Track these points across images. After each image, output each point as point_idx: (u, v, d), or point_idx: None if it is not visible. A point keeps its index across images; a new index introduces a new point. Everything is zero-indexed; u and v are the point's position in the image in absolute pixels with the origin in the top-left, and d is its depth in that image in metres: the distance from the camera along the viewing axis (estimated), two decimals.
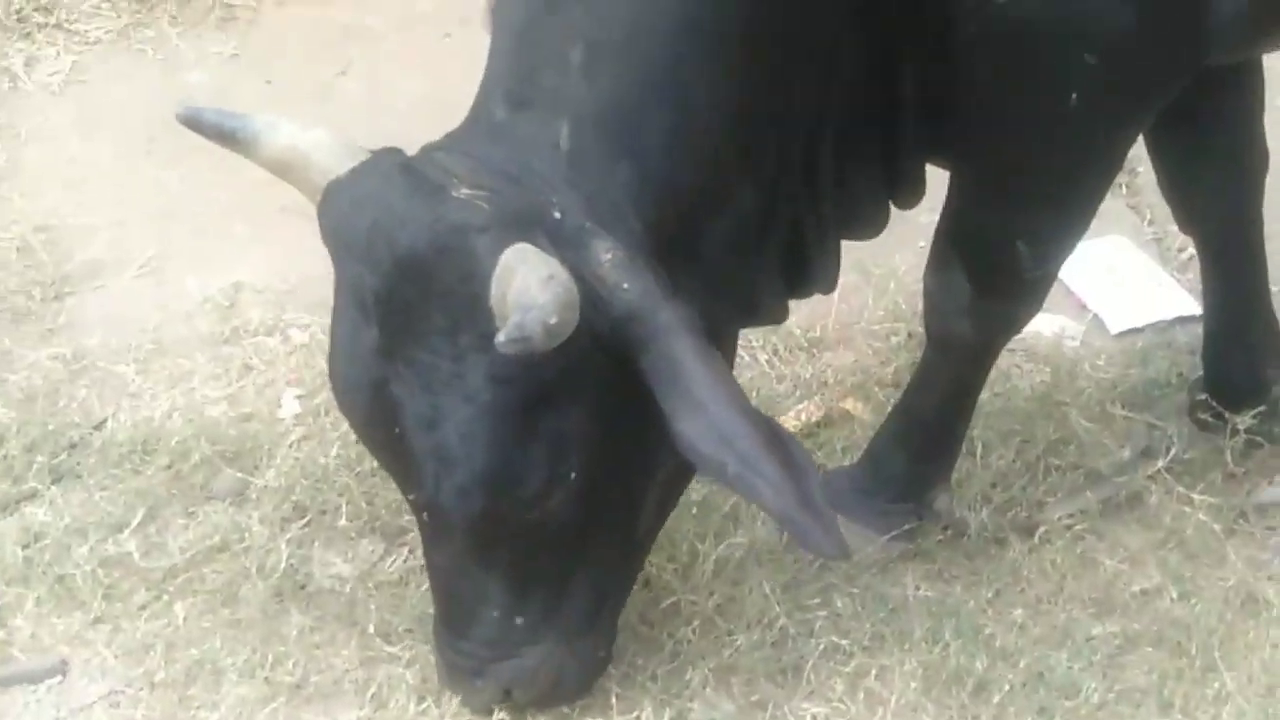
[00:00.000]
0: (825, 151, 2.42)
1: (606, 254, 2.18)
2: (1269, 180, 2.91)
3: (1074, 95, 2.31)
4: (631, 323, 2.18)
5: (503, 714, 2.52)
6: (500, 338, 2.07)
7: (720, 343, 2.32)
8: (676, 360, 2.17)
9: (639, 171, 2.24)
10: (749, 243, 2.37)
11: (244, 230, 3.50)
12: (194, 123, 2.35)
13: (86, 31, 4.19)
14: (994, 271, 2.52)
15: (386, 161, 2.26)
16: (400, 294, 2.19)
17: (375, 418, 2.30)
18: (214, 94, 3.93)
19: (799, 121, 2.36)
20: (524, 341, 2.07)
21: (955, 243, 2.54)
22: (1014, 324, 2.62)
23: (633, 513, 2.41)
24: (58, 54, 4.06)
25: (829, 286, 2.58)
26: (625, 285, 2.18)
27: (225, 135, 2.33)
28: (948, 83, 2.37)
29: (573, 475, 2.25)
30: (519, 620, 2.40)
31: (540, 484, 2.26)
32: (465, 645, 2.46)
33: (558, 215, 2.20)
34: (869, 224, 2.58)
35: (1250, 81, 2.74)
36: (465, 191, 2.19)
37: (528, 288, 2.08)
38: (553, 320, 2.08)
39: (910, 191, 2.57)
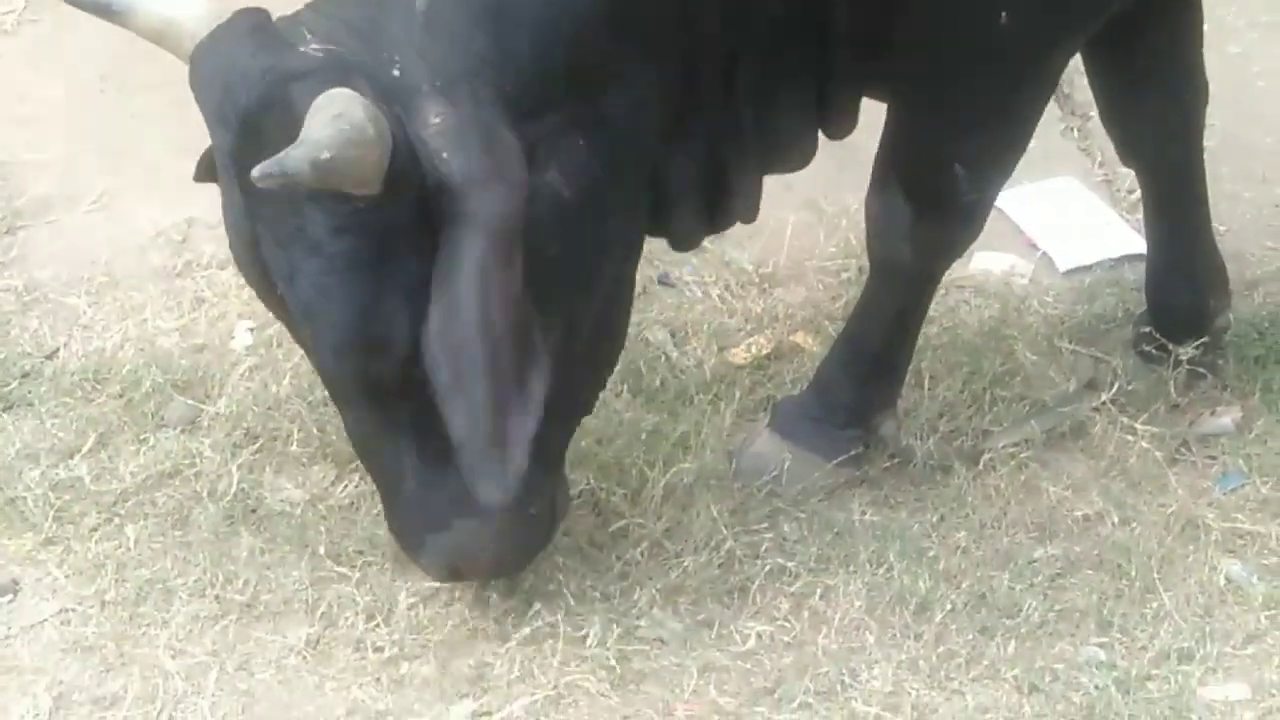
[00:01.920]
0: (747, 75, 2.49)
1: (435, 118, 2.20)
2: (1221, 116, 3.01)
3: (1003, 14, 2.38)
4: (441, 195, 2.21)
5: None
6: (254, 170, 2.07)
7: (628, 217, 2.40)
8: (459, 251, 2.19)
9: (498, 40, 2.27)
10: (649, 137, 2.40)
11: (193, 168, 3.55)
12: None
13: None
14: (932, 194, 2.60)
15: (244, 22, 2.30)
16: (246, 150, 2.23)
17: (260, 281, 2.36)
18: None
19: (709, 33, 2.42)
20: (280, 176, 2.07)
21: (894, 167, 2.62)
22: (953, 249, 2.70)
23: (558, 344, 2.38)
24: None
25: (750, 216, 2.66)
26: (444, 154, 2.19)
27: (101, 7, 2.38)
28: (879, 8, 2.44)
29: (401, 343, 2.26)
30: (441, 491, 2.42)
31: (408, 337, 2.26)
32: (400, 520, 2.52)
33: (396, 73, 2.22)
34: (796, 155, 2.66)
35: (1188, 14, 2.82)
36: (314, 47, 2.23)
37: (312, 124, 2.09)
38: (324, 156, 2.07)
39: (842, 122, 2.65)
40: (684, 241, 2.66)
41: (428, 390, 2.31)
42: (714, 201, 2.59)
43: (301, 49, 2.25)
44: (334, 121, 2.10)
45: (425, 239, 2.23)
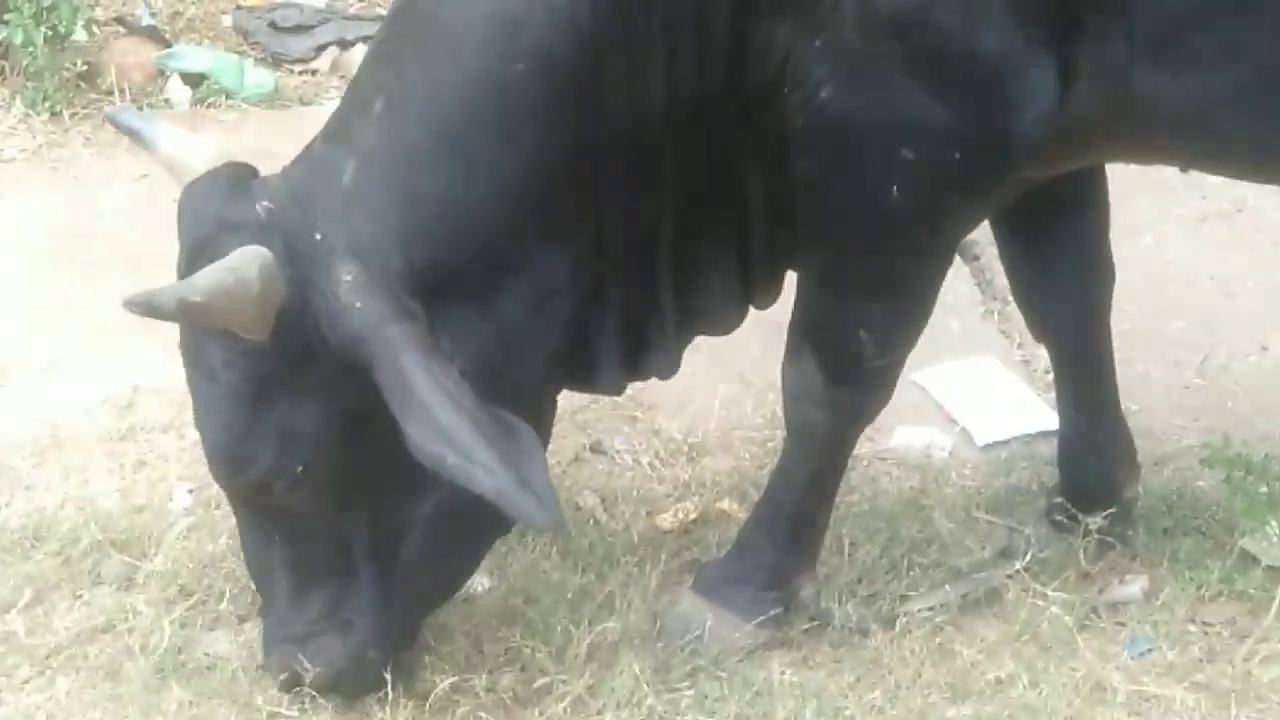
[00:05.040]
0: (664, 248, 2.72)
1: (347, 275, 2.55)
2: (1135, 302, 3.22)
3: (895, 189, 2.59)
4: (363, 339, 2.53)
5: None
6: (127, 296, 2.43)
7: (525, 393, 2.64)
8: (401, 370, 2.51)
9: (411, 217, 2.59)
10: (563, 312, 2.68)
11: (144, 336, 3.67)
12: (116, 121, 2.83)
13: (2, 150, 4.50)
14: (841, 361, 2.78)
15: (225, 173, 2.64)
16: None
17: None
18: (123, 214, 4.23)
19: (625, 213, 2.66)
20: (145, 306, 2.43)
21: (805, 334, 2.80)
22: (865, 413, 2.87)
23: (394, 524, 2.68)
24: None
25: (666, 373, 2.88)
26: (358, 304, 2.53)
27: (135, 134, 2.76)
28: (785, 182, 2.66)
29: (300, 468, 2.62)
30: (303, 602, 2.76)
31: (266, 468, 2.63)
32: (266, 619, 2.82)
33: (318, 237, 2.58)
34: (721, 322, 2.88)
35: (1094, 199, 3.03)
36: (263, 204, 2.60)
37: (203, 271, 2.48)
38: (194, 299, 2.44)
39: (765, 293, 2.87)
40: (606, 391, 2.89)
41: (293, 518, 2.71)
42: (632, 361, 2.81)
43: (254, 205, 2.61)
44: (220, 272, 2.47)
45: (305, 383, 2.57)
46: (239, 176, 2.68)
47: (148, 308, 2.44)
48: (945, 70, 2.53)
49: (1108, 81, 2.54)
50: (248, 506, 2.75)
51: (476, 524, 2.70)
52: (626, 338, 2.78)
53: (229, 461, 2.67)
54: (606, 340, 2.76)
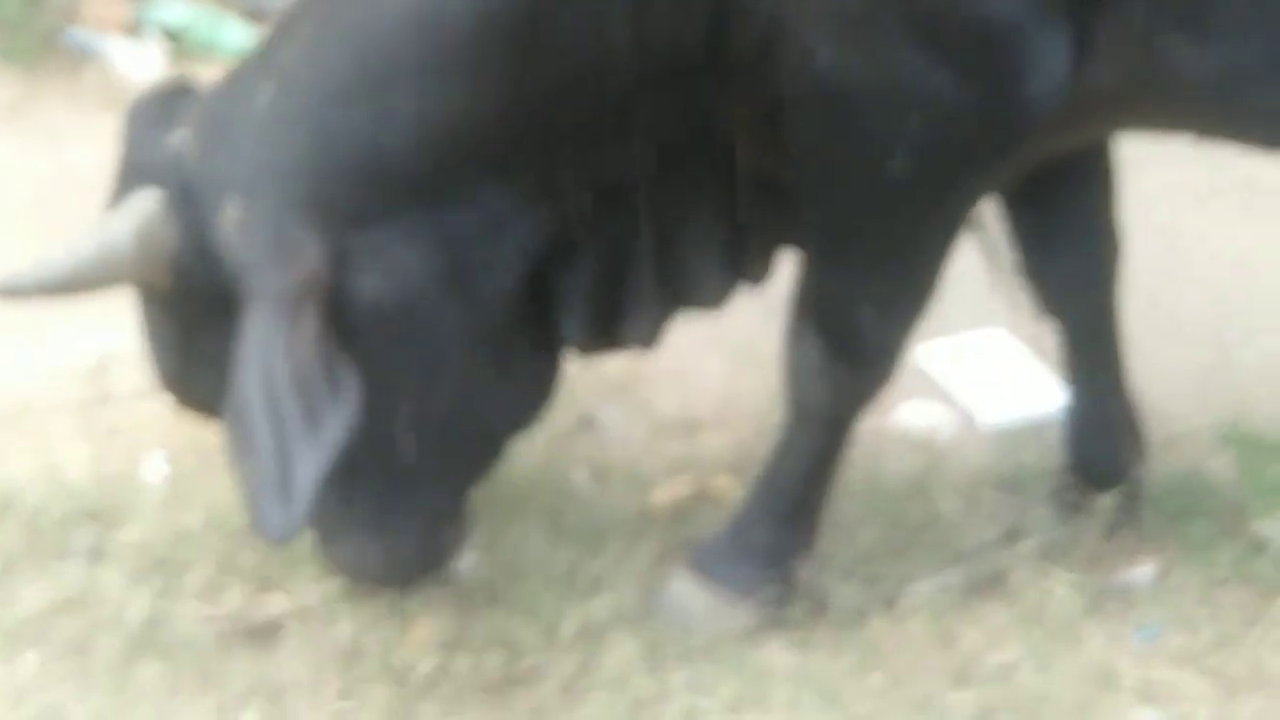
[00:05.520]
0: (640, 208, 2.64)
1: (233, 212, 2.53)
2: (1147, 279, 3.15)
3: (896, 159, 2.50)
4: (238, 279, 2.54)
5: None
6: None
7: (483, 330, 2.63)
8: (247, 323, 2.51)
9: (323, 145, 2.54)
10: (517, 249, 2.62)
11: (118, 299, 3.63)
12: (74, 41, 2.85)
13: None
14: (842, 337, 2.71)
15: (161, 96, 2.68)
16: None
17: None
18: (98, 172, 4.11)
19: (583, 160, 2.59)
20: (4, 290, 2.54)
21: (805, 309, 2.73)
22: (867, 391, 2.79)
23: (373, 434, 2.62)
24: None
25: (646, 341, 2.81)
26: (234, 244, 2.52)
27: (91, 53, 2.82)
28: (777, 150, 2.57)
29: None
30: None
31: (210, 397, 2.64)
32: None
33: (219, 169, 2.56)
34: (705, 292, 2.79)
35: (1101, 170, 2.95)
36: (179, 132, 2.60)
37: (71, 249, 2.56)
38: (51, 277, 2.53)
39: (754, 267, 2.79)
40: (577, 347, 2.81)
41: None
42: (605, 326, 2.74)
43: (167, 138, 2.61)
44: (84, 242, 2.54)
45: (228, 317, 2.55)
46: (171, 99, 2.66)
47: (7, 292, 2.51)
48: (950, 34, 2.44)
49: (1126, 50, 2.45)
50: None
51: (469, 420, 2.69)
52: (597, 296, 2.70)
53: (173, 390, 2.78)
54: (572, 294, 2.70)
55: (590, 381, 3.41)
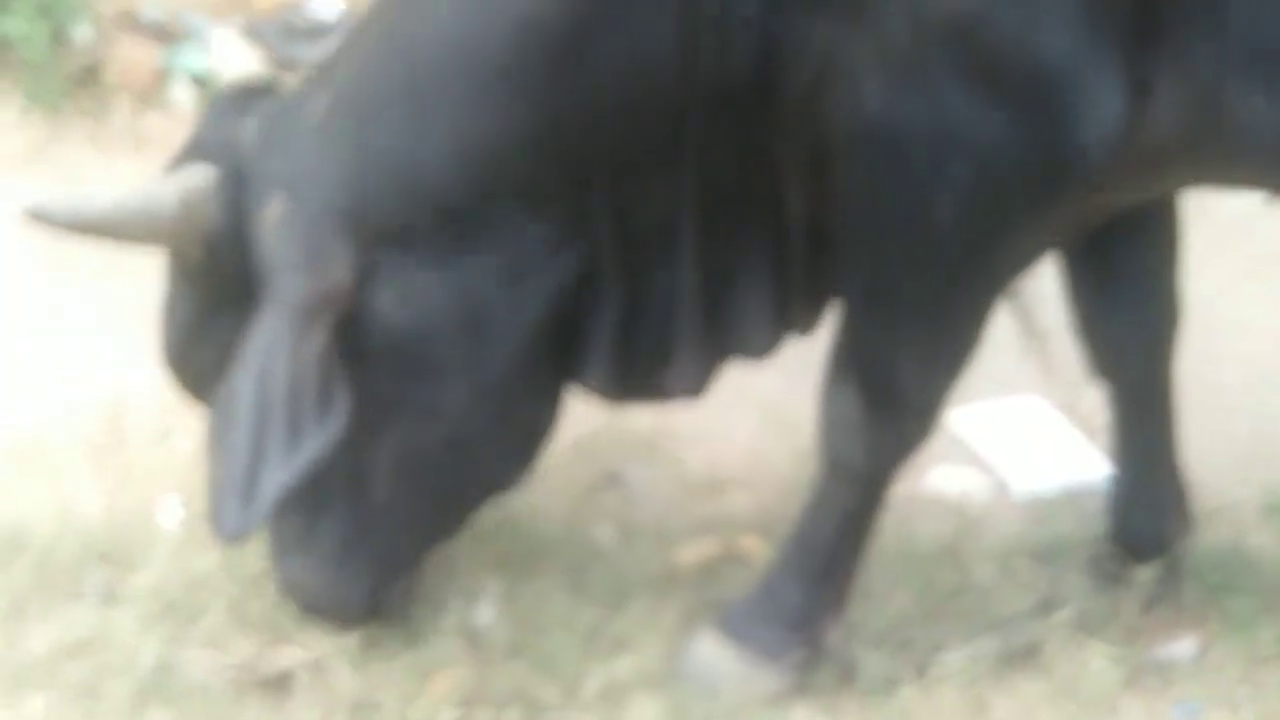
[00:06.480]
0: (686, 250, 2.63)
1: (276, 207, 2.59)
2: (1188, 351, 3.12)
3: (943, 207, 2.48)
4: (264, 274, 2.59)
5: None
6: (29, 206, 2.55)
7: (495, 369, 2.64)
8: (260, 319, 2.56)
9: (365, 161, 2.60)
10: (543, 290, 2.63)
11: (135, 341, 3.61)
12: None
13: None
14: (881, 390, 2.67)
15: (246, 86, 2.77)
16: None
17: None
18: None
19: (622, 197, 2.59)
20: (39, 213, 2.54)
21: (844, 361, 2.70)
22: (904, 448, 2.75)
23: (356, 460, 2.66)
24: None
25: (691, 390, 2.78)
26: (268, 240, 2.59)
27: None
28: (826, 200, 2.56)
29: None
30: (281, 523, 2.78)
31: (206, 375, 2.71)
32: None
33: (272, 168, 2.63)
34: (753, 342, 2.77)
35: (1165, 230, 2.92)
36: (247, 122, 2.67)
37: (124, 194, 2.61)
38: (89, 213, 2.57)
39: (803, 316, 2.77)
40: (602, 394, 2.79)
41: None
42: (648, 365, 2.72)
43: (237, 123, 2.68)
44: (131, 191, 2.60)
45: (246, 305, 2.60)
46: (252, 93, 2.74)
47: (42, 215, 2.53)
48: (1002, 77, 2.42)
49: (1188, 98, 2.42)
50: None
51: (454, 469, 2.70)
52: (639, 341, 2.69)
53: (171, 364, 2.81)
54: (600, 339, 2.69)
55: (617, 438, 3.40)
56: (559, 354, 2.74)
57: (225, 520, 2.50)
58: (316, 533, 2.78)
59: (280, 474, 2.48)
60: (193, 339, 2.75)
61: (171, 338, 2.80)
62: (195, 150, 2.70)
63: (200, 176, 2.62)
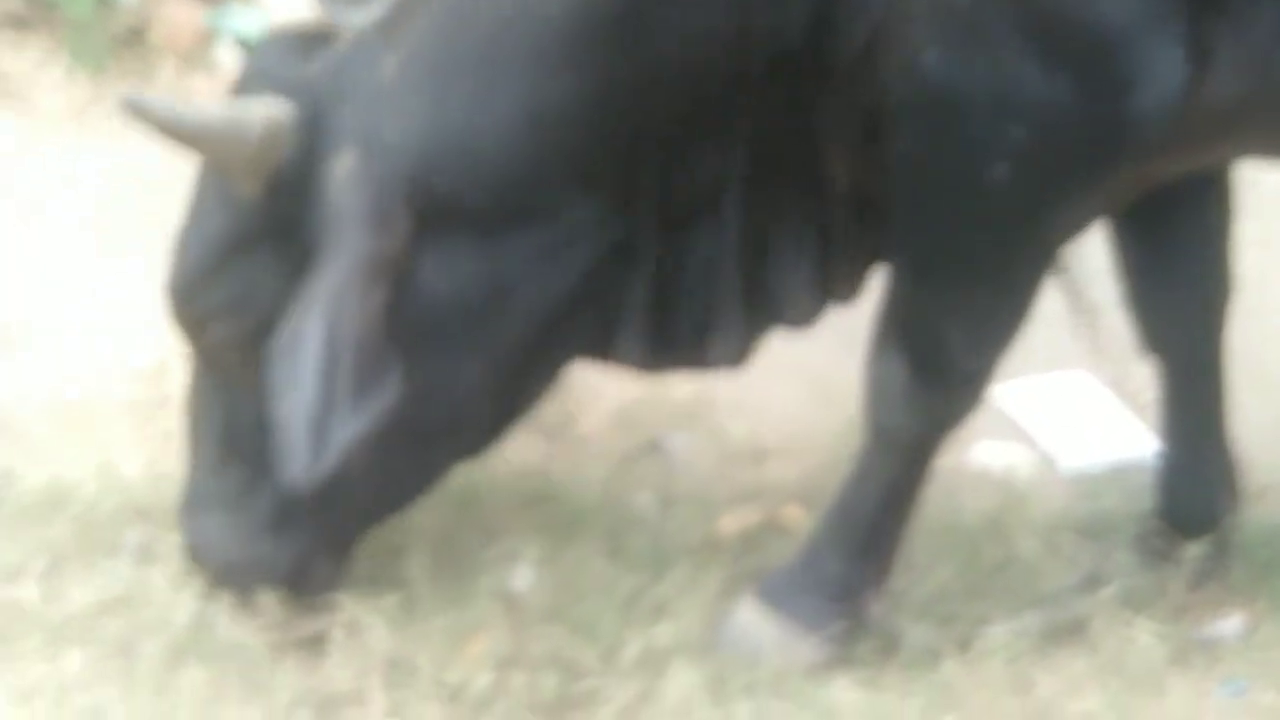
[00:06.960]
0: (732, 219, 2.62)
1: (347, 161, 2.56)
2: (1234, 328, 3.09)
3: (1000, 168, 2.45)
4: (325, 223, 2.56)
5: None
6: (126, 97, 2.54)
7: (501, 345, 2.63)
8: (325, 270, 2.52)
9: (432, 128, 2.58)
10: (574, 270, 2.63)
11: None
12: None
13: (42, 107, 4.41)
14: (930, 358, 2.65)
15: (301, 31, 2.69)
16: None
17: None
18: (162, 178, 4.12)
19: (675, 169, 2.57)
20: (137, 105, 2.52)
21: (892, 328, 2.68)
22: (951, 417, 2.73)
23: None
24: (10, 124, 4.27)
25: (734, 361, 2.77)
26: (336, 191, 2.55)
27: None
28: (871, 165, 2.54)
29: (245, 328, 2.66)
30: (207, 478, 2.79)
31: (213, 311, 2.69)
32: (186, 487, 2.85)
33: (343, 118, 2.59)
34: (798, 312, 2.76)
35: (1219, 202, 2.89)
36: (317, 66, 2.63)
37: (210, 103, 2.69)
38: (185, 119, 2.56)
39: (846, 283, 2.75)
40: (631, 366, 2.78)
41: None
42: (690, 335, 2.70)
43: (307, 65, 2.63)
44: (224, 108, 2.59)
45: (282, 251, 2.61)
46: (311, 37, 2.67)
47: (139, 108, 2.51)
48: (1059, 39, 2.40)
49: (1248, 64, 2.39)
50: (195, 352, 2.78)
51: (432, 445, 2.68)
52: (666, 308, 2.68)
53: (182, 290, 2.72)
54: (635, 310, 2.67)
55: (658, 406, 3.39)
56: (584, 330, 2.73)
57: (296, 463, 2.47)
58: (252, 493, 2.74)
59: (349, 427, 2.46)
60: (212, 272, 2.69)
61: (188, 266, 2.73)
62: (263, 82, 2.65)
63: (282, 109, 2.58)
